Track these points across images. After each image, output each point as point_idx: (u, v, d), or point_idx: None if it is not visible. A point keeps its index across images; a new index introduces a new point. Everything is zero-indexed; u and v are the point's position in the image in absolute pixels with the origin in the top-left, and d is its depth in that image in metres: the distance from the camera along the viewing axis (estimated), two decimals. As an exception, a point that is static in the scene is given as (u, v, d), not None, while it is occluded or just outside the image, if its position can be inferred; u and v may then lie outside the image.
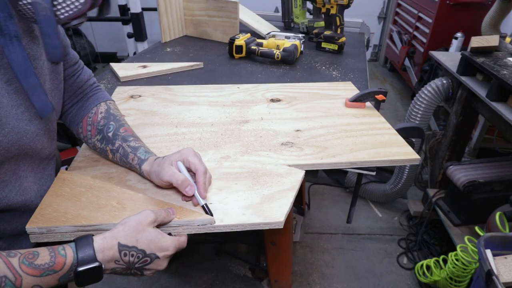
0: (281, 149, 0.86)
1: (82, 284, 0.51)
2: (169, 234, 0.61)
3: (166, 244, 0.57)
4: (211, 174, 0.74)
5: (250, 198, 0.70)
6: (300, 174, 0.77)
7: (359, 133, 0.94)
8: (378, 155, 0.84)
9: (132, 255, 0.55)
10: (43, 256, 0.50)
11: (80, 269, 0.51)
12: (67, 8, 0.50)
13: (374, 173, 0.90)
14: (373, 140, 0.91)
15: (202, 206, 0.65)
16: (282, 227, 0.64)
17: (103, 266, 0.53)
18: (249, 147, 0.87)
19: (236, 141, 0.89)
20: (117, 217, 0.61)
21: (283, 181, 0.75)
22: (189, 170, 0.69)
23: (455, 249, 1.53)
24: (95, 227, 0.60)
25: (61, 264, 0.50)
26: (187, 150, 0.70)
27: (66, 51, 0.74)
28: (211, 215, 0.64)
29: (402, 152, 0.86)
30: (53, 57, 0.53)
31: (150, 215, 0.57)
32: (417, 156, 0.84)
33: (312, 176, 0.88)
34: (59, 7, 0.50)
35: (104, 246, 0.53)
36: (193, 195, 0.66)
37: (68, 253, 0.51)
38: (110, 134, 0.74)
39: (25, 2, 0.47)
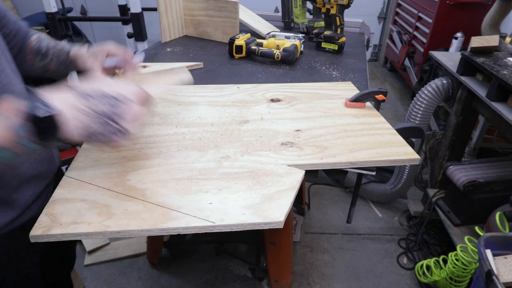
0: (281, 149, 0.86)
1: (44, 135, 0.47)
2: (169, 234, 0.61)
3: (130, 87, 0.57)
4: (212, 173, 0.74)
5: (250, 198, 0.70)
6: (300, 174, 0.77)
7: (359, 133, 0.94)
8: (378, 155, 0.84)
9: (95, 98, 0.50)
10: None
11: (36, 114, 0.45)
12: None
13: (374, 173, 0.90)
14: (373, 140, 0.91)
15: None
16: (282, 227, 0.64)
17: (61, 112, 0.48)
18: (249, 147, 0.87)
19: (236, 141, 0.89)
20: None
21: (283, 181, 0.75)
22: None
23: (455, 249, 1.53)
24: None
25: (9, 108, 0.45)
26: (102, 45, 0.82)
27: None
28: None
29: (402, 152, 0.86)
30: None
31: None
32: (417, 156, 0.84)
33: (312, 176, 0.89)
34: None
35: (60, 95, 0.49)
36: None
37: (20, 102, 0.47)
38: (44, 50, 0.87)
39: None
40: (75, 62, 0.86)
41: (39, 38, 0.89)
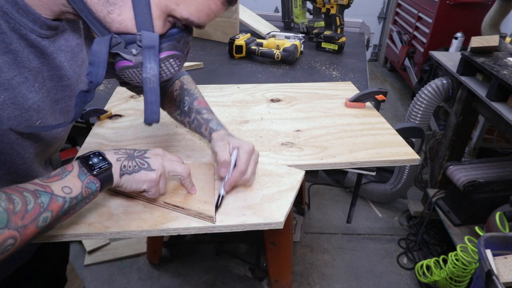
0: (281, 149, 0.86)
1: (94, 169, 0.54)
2: (170, 234, 0.61)
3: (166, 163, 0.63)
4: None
5: (250, 198, 0.70)
6: (300, 175, 0.77)
7: (359, 133, 0.94)
8: (378, 155, 0.84)
9: (132, 150, 0.61)
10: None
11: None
12: (164, 75, 0.58)
13: (374, 173, 0.90)
14: (373, 140, 0.91)
15: (219, 195, 0.68)
16: (282, 227, 0.64)
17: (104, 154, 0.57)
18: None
19: (236, 141, 0.89)
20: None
21: (283, 181, 0.75)
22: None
23: (455, 249, 1.53)
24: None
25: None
26: (248, 144, 0.72)
27: None
28: (217, 207, 0.66)
29: (402, 152, 0.86)
30: (151, 120, 0.58)
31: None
32: (417, 156, 0.84)
33: (312, 176, 0.88)
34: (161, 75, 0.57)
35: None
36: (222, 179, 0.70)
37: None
38: (186, 108, 0.82)
39: (131, 72, 0.55)
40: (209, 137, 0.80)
41: (181, 88, 0.84)
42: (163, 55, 0.54)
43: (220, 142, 0.72)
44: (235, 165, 0.70)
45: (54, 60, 0.55)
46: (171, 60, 0.56)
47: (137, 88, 0.86)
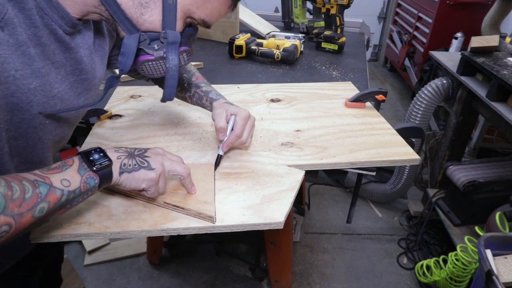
0: (281, 149, 0.86)
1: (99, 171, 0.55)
2: (170, 235, 0.61)
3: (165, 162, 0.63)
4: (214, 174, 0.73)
5: (250, 198, 0.70)
6: (300, 175, 0.77)
7: (359, 133, 0.94)
8: (378, 156, 0.84)
9: (132, 149, 0.61)
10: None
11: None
12: (182, 62, 0.68)
13: (374, 173, 0.90)
14: (373, 140, 0.91)
15: (218, 155, 0.78)
16: (282, 227, 0.64)
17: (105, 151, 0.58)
18: (249, 147, 0.87)
19: (236, 141, 0.89)
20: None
21: (283, 181, 0.75)
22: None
23: (455, 249, 1.53)
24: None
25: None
26: (244, 111, 0.81)
27: None
28: (216, 166, 0.77)
29: (402, 152, 0.86)
30: (169, 99, 0.71)
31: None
32: (417, 157, 0.84)
33: (312, 176, 0.89)
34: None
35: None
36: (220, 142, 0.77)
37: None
38: (185, 85, 0.90)
39: (149, 64, 0.64)
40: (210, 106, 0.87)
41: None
42: (181, 49, 0.65)
43: (219, 109, 0.81)
44: (233, 130, 0.78)
45: (76, 54, 0.60)
46: (185, 54, 0.67)
47: (137, 74, 0.88)
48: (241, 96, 1.15)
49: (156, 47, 0.62)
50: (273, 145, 0.88)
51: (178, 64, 0.65)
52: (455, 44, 2.74)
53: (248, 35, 1.60)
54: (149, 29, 0.60)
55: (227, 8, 0.65)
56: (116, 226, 0.61)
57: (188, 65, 0.93)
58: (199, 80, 0.91)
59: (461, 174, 1.71)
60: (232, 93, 1.18)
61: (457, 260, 1.49)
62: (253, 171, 0.78)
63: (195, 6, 0.61)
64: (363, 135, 0.93)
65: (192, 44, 0.69)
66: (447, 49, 2.82)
